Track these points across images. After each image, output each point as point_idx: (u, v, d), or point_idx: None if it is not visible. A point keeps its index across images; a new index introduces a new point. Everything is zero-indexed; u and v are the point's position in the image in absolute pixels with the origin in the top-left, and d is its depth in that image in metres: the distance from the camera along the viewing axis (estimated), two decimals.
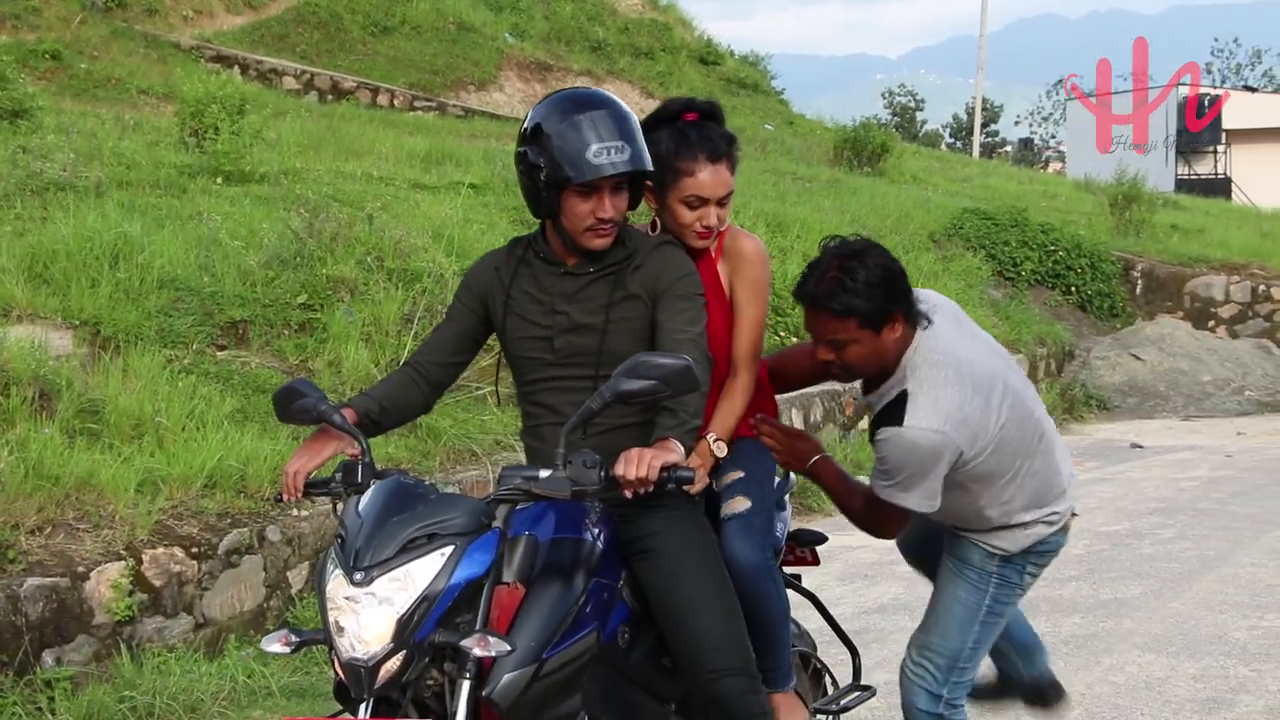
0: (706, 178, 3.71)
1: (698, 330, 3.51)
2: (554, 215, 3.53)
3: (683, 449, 3.28)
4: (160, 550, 5.87)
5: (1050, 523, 3.89)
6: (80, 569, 5.57)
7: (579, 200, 3.46)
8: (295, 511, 6.52)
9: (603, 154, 3.40)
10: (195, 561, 5.99)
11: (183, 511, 6.15)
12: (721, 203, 3.74)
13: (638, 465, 3.11)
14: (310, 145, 13.77)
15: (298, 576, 6.46)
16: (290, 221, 9.19)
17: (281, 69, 20.98)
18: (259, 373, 7.66)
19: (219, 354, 7.78)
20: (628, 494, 3.15)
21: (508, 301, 3.62)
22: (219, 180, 10.92)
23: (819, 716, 4.21)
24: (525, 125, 3.52)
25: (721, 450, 3.66)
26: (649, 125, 3.77)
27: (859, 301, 3.55)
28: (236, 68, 19.87)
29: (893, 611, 7.28)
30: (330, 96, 20.63)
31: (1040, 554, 3.94)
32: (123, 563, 5.69)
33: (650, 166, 3.50)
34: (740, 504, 3.77)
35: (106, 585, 5.60)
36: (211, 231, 8.99)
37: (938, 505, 3.66)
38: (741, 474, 3.82)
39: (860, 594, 7.72)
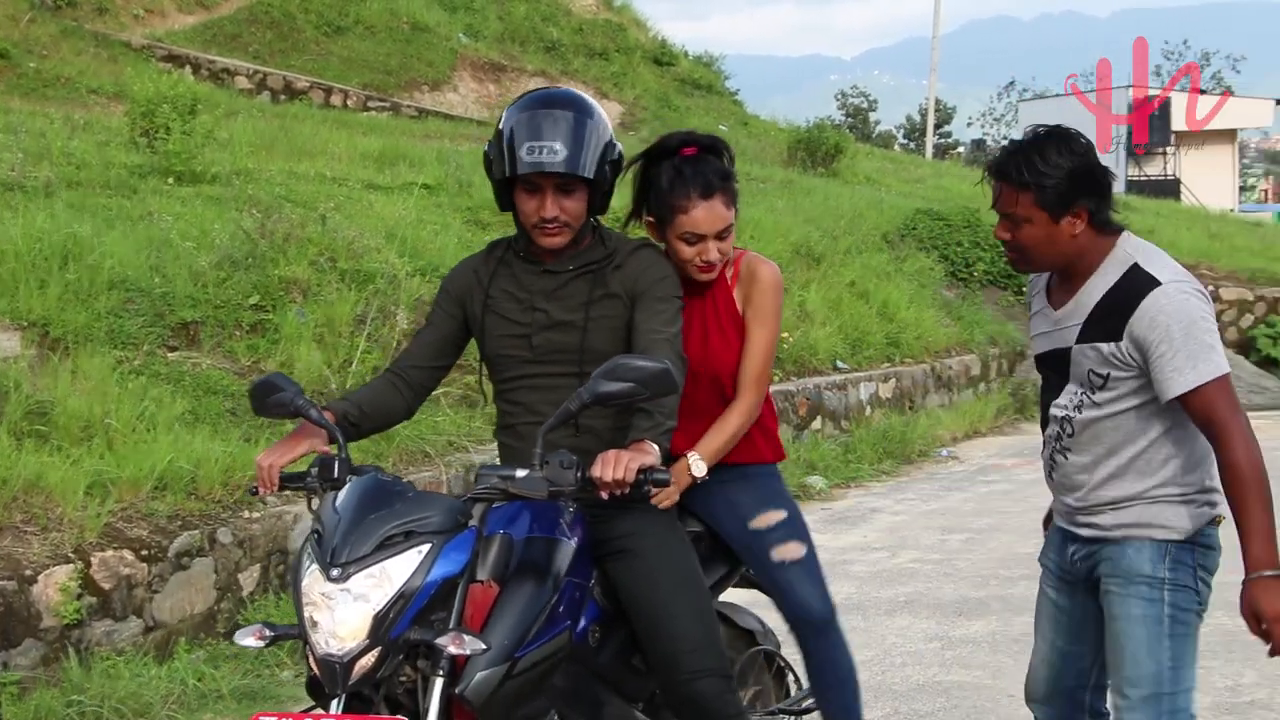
0: (700, 214, 3.67)
1: (674, 331, 3.50)
2: (512, 210, 3.54)
3: (658, 451, 3.28)
4: (109, 553, 5.81)
5: (1213, 503, 3.59)
6: (28, 572, 5.50)
7: (526, 197, 3.47)
8: (246, 514, 6.48)
9: (535, 152, 3.38)
10: (145, 564, 5.93)
11: (132, 514, 6.10)
12: (721, 236, 3.70)
13: (614, 467, 3.11)
14: (263, 145, 13.69)
15: (249, 579, 6.42)
16: (242, 222, 9.13)
17: (234, 69, 20.85)
18: (210, 374, 7.61)
19: (170, 355, 7.72)
20: (604, 495, 3.15)
21: (486, 300, 3.61)
22: (170, 181, 10.84)
23: (781, 717, 4.22)
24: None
25: (700, 470, 3.62)
26: (651, 159, 3.77)
27: (1040, 178, 3.38)
28: (188, 67, 19.74)
29: (845, 611, 7.22)
30: (283, 96, 20.51)
31: (1206, 550, 3.58)
32: (71, 566, 5.63)
33: (588, 174, 3.44)
34: (795, 550, 3.82)
35: (54, 588, 5.54)
36: (163, 232, 8.91)
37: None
38: (785, 514, 3.84)
39: None
